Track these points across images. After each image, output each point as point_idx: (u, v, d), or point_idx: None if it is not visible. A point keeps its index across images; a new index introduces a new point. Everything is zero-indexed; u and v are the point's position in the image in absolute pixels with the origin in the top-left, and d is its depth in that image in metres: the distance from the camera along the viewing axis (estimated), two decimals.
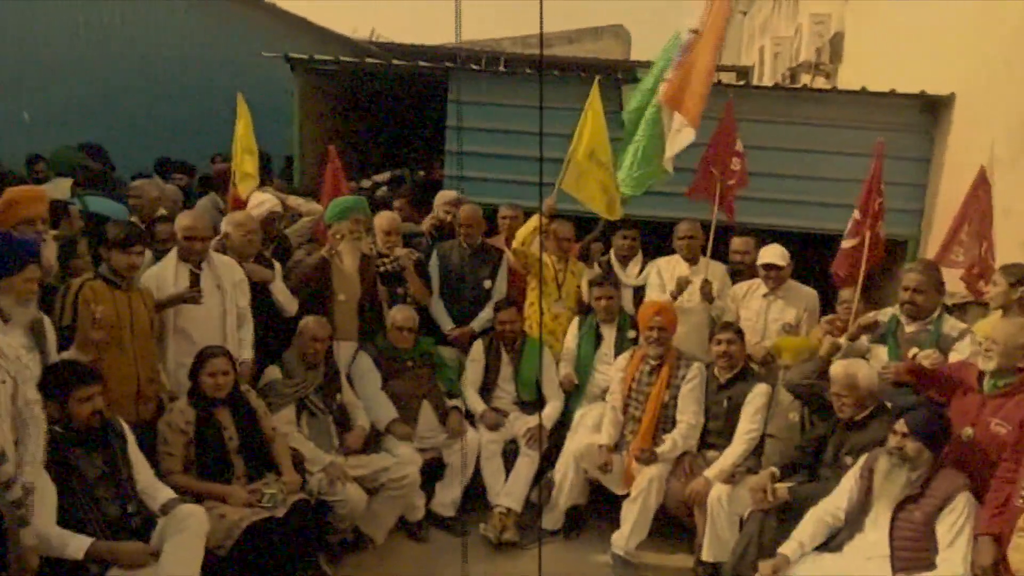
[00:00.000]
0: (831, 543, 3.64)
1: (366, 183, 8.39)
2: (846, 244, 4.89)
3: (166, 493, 3.65)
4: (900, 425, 3.48)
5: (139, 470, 3.63)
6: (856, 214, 4.86)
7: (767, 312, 5.13)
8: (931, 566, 3.32)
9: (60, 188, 5.59)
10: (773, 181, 6.41)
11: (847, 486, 3.68)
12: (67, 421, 3.40)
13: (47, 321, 3.63)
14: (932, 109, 6.63)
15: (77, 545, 3.20)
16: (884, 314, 4.47)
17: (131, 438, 3.67)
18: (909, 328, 4.29)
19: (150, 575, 3.30)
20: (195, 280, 4.38)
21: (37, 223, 4.06)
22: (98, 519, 3.36)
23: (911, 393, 3.89)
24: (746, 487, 4.22)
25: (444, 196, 6.24)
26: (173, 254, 4.49)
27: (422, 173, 9.59)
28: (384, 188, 8.34)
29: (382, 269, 5.40)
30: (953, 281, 5.05)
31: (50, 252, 4.14)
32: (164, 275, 4.40)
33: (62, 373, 3.45)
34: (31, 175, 6.53)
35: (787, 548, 3.68)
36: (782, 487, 3.99)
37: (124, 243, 4.00)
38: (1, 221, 3.94)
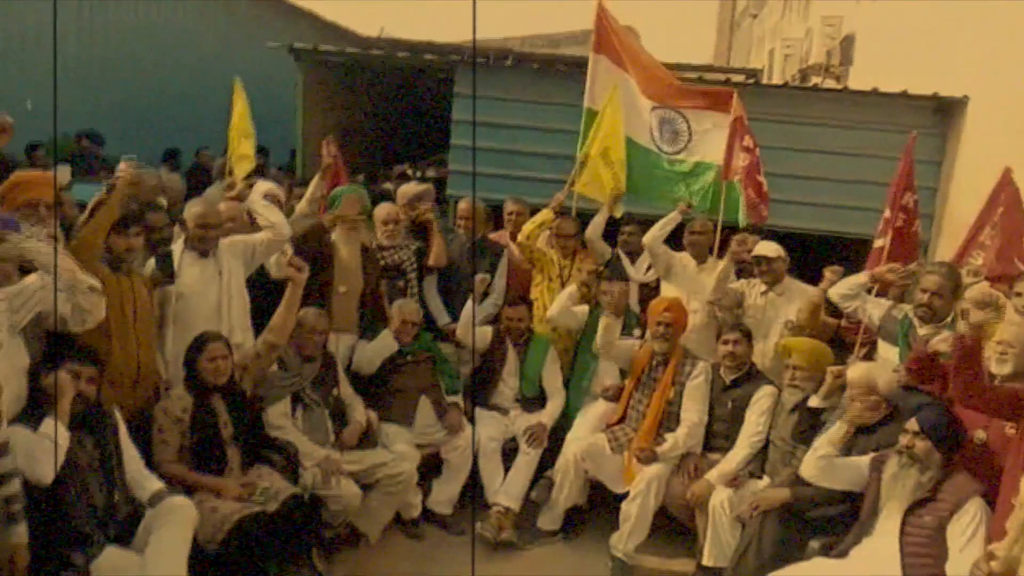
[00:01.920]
0: (837, 548, 3.54)
1: (388, 184, 8.09)
2: (877, 244, 4.81)
3: (155, 484, 3.55)
4: (911, 424, 3.39)
5: (129, 459, 3.54)
6: (887, 212, 4.79)
7: (766, 309, 5.04)
8: (941, 573, 3.21)
9: (61, 175, 5.58)
10: (782, 182, 6.30)
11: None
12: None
13: None
14: (945, 111, 6.55)
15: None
16: (899, 311, 4.39)
17: (122, 426, 3.58)
18: (921, 331, 4.18)
19: (137, 565, 3.21)
20: (165, 262, 4.24)
21: (40, 208, 4.02)
22: (85, 505, 3.27)
23: (923, 395, 3.79)
24: (749, 491, 4.13)
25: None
26: (180, 242, 4.41)
27: (419, 173, 9.45)
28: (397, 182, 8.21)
29: (383, 262, 5.31)
30: None
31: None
32: None
33: (56, 347, 3.40)
34: (31, 162, 6.50)
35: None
36: (784, 490, 3.89)
37: (120, 225, 3.93)
38: (6, 203, 3.90)
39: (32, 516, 3.01)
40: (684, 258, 5.40)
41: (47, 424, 3.12)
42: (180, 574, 3.27)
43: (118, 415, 3.59)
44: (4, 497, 2.81)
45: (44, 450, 3.06)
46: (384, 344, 4.88)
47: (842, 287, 4.58)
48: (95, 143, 7.15)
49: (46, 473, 3.06)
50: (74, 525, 3.20)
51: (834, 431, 3.72)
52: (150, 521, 3.37)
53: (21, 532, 2.90)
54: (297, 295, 4.29)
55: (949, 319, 4.18)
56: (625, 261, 5.56)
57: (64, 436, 3.13)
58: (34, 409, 3.27)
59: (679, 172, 5.59)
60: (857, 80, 9.08)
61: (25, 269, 3.46)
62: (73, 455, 3.28)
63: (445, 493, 4.86)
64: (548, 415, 5.08)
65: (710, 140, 5.50)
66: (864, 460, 3.65)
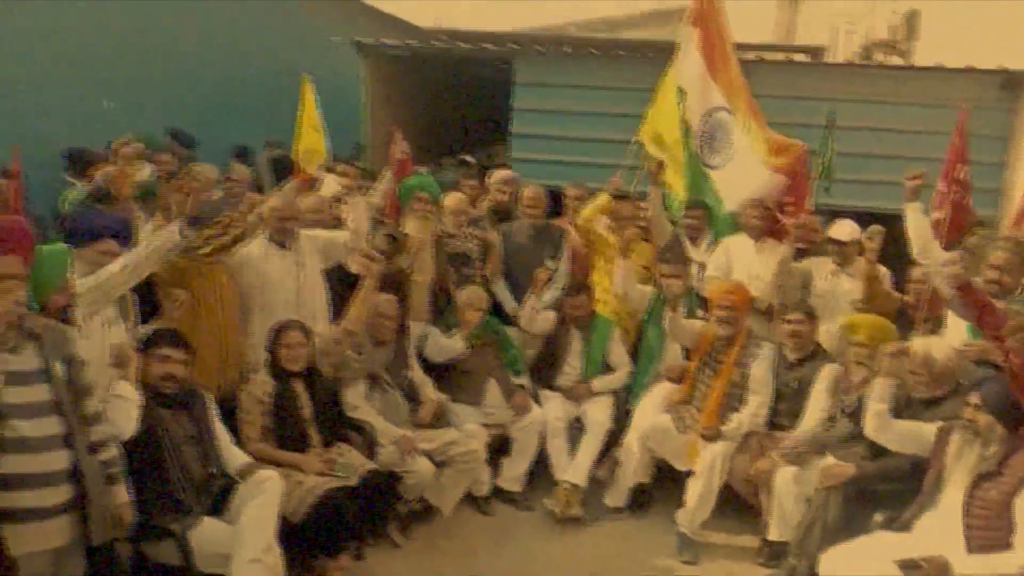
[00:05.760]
0: (900, 521, 3.58)
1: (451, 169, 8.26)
2: (933, 216, 4.79)
3: (244, 458, 3.79)
4: (973, 398, 3.41)
5: (219, 436, 3.79)
6: (940, 185, 4.75)
7: (835, 289, 5.06)
8: (1007, 547, 3.21)
9: (141, 172, 5.85)
10: (847, 160, 6.25)
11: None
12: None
13: (129, 295, 3.81)
14: (1012, 85, 6.41)
15: None
16: None
17: (212, 406, 3.83)
18: None
19: (230, 534, 3.44)
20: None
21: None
22: (183, 478, 3.52)
23: (988, 370, 3.79)
24: (814, 467, 4.18)
25: (499, 176, 6.23)
26: (261, 235, 4.62)
27: (470, 160, 9.48)
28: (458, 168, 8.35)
29: (450, 250, 5.47)
30: None
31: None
32: (251, 253, 4.53)
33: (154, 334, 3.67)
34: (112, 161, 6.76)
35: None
36: (849, 465, 3.94)
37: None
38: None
39: (135, 486, 3.26)
40: (740, 240, 5.43)
41: (122, 386, 3.32)
42: (270, 543, 3.49)
43: (209, 396, 3.84)
44: (102, 461, 3.05)
45: (118, 408, 3.28)
46: (455, 346, 5.07)
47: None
48: (180, 143, 7.32)
49: (124, 428, 3.29)
50: (172, 494, 3.46)
51: (876, 384, 3.84)
52: (242, 494, 3.59)
53: (122, 492, 3.14)
54: (371, 286, 4.51)
55: (1019, 292, 4.15)
56: (686, 242, 5.60)
57: (134, 394, 3.35)
58: None
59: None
60: (923, 56, 8.91)
61: None
62: (172, 429, 3.55)
63: (514, 471, 5.01)
64: (616, 379, 5.25)
65: (738, 181, 5.52)
66: (929, 428, 3.69)
